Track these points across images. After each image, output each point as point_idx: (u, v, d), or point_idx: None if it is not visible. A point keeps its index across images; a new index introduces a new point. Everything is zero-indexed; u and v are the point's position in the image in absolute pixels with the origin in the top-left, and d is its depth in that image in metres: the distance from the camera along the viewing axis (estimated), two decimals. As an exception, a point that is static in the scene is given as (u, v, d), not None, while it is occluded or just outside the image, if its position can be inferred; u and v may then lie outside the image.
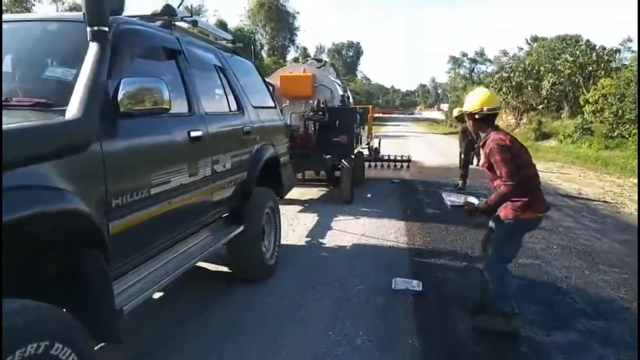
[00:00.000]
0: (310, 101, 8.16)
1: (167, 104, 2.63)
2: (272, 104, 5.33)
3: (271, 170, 4.89)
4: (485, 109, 3.43)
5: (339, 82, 9.90)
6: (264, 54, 48.08)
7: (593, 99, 20.21)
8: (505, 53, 59.07)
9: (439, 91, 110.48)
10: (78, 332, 2.00)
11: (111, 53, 2.60)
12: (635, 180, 11.64)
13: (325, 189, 9.47)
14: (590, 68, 23.78)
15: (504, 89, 28.73)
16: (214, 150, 3.57)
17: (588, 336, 3.55)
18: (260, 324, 3.67)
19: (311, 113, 7.89)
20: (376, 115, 69.74)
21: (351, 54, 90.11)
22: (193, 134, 3.24)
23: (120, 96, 2.44)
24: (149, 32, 3.16)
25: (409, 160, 11.76)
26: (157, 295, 4.16)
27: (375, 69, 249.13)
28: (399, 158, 11.77)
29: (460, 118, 11.85)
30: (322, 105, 7.90)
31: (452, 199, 3.82)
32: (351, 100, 10.42)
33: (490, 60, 65.10)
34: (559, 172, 13.61)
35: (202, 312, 3.86)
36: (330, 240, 6.00)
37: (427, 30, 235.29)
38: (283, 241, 5.76)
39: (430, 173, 12.93)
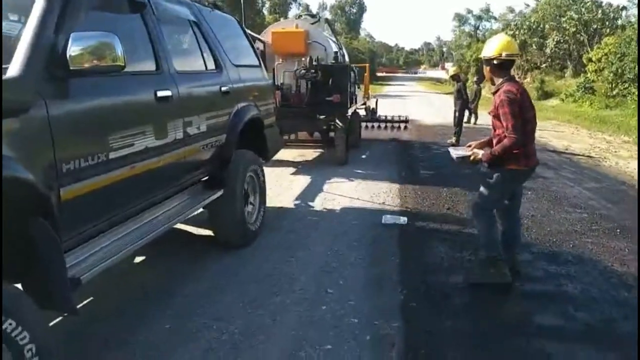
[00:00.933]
0: (303, 59, 7.81)
1: (120, 60, 2.40)
2: (256, 62, 5.07)
3: (254, 133, 4.70)
4: (504, 54, 3.37)
5: (333, 39, 9.49)
6: (265, 11, 47.16)
7: (596, 57, 19.70)
8: (511, 10, 57.39)
9: (444, 49, 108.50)
10: (29, 307, 1.91)
11: (62, 4, 2.37)
12: (626, 138, 11.81)
13: (320, 150, 9.26)
14: (596, 26, 23.11)
15: None
16: (185, 111, 3.35)
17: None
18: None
19: (303, 71, 7.55)
20: (379, 74, 69.26)
21: (355, 10, 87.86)
22: (160, 93, 3.02)
23: (69, 53, 2.21)
24: (107, -19, 2.89)
25: (406, 121, 11.46)
26: (138, 259, 4.07)
27: (379, 27, 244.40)
28: (396, 118, 11.48)
29: (455, 77, 11.80)
30: (314, 63, 7.57)
31: (459, 152, 3.74)
32: (347, 58, 10.02)
33: (495, 18, 63.45)
34: (553, 129, 13.60)
35: (185, 274, 3.75)
36: (320, 203, 5.84)
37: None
38: (274, 203, 5.66)
39: (427, 132, 12.78)
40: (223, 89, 3.98)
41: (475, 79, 18.38)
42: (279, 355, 2.76)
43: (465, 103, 11.35)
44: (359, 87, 10.28)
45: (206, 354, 2.75)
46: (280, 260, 4.07)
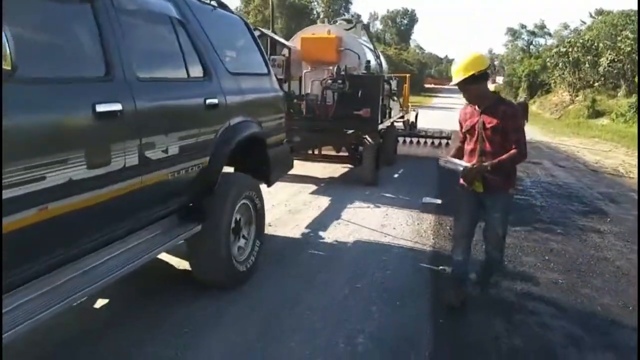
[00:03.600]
0: (330, 67, 6.93)
1: (8, 64, 1.65)
2: (264, 69, 4.26)
3: (255, 153, 3.91)
4: (487, 63, 3.13)
5: (370, 46, 8.58)
6: (319, 22, 47.23)
7: (650, 78, 18.02)
8: (566, 26, 54.44)
9: (496, 63, 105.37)
10: None
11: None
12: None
13: (350, 165, 8.37)
14: (652, 46, 21.27)
15: (560, 64, 27.30)
16: (144, 130, 2.56)
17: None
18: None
19: (330, 81, 6.67)
20: (427, 85, 67.64)
21: (405, 21, 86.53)
22: (102, 108, 2.25)
23: None
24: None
25: (448, 137, 10.41)
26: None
27: (429, 38, 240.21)
28: (437, 134, 10.46)
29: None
30: (342, 73, 6.68)
31: (449, 164, 3.33)
32: (384, 67, 9.09)
33: (550, 34, 60.42)
34: (592, 147, 13.57)
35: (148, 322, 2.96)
36: (334, 234, 4.94)
37: None
38: (281, 230, 4.84)
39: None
40: (209, 101, 3.18)
41: (525, 95, 17.40)
42: None
43: None
44: (397, 99, 9.35)
45: None
46: (271, 315, 3.23)
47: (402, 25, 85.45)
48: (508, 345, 2.98)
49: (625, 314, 3.44)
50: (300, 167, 7.98)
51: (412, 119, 10.77)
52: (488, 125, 3.12)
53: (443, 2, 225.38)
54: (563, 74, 27.20)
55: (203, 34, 3.35)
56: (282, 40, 6.70)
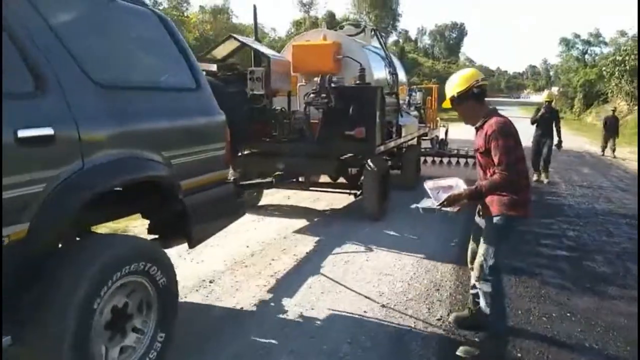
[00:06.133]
0: (315, 79, 5.47)
1: None
2: (187, 83, 3.00)
3: (160, 203, 2.69)
4: (479, 79, 2.88)
5: (382, 53, 7.16)
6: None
7: None
8: (623, 33, 50.44)
9: (551, 73, 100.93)
10: None
11: None
12: None
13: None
14: None
15: (616, 72, 25.96)
16: None
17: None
18: None
19: (312, 95, 5.33)
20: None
21: (454, 35, 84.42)
22: None
23: None
24: None
25: (483, 156, 8.81)
26: None
27: (479, 51, 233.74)
28: (471, 153, 8.88)
29: (548, 103, 9.34)
30: (326, 85, 5.27)
31: (427, 204, 2.96)
32: (402, 77, 7.58)
33: (606, 42, 56.29)
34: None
35: None
36: (305, 301, 3.56)
37: (538, 7, 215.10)
38: (230, 294, 3.56)
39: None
40: (28, 133, 1.95)
41: (612, 108, 16.09)
42: None
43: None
44: (421, 113, 7.91)
45: None
46: None
47: (450, 39, 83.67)
48: None
49: None
50: (299, 196, 6.70)
51: (441, 135, 9.23)
52: (477, 147, 2.93)
53: (493, 15, 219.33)
54: (620, 83, 25.86)
55: (48, 29, 2.14)
56: (263, 49, 5.46)
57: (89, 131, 2.19)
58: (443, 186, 2.98)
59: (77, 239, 2.60)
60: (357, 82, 5.67)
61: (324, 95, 5.19)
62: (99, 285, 2.16)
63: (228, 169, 3.31)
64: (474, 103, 2.88)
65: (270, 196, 6.73)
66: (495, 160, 2.73)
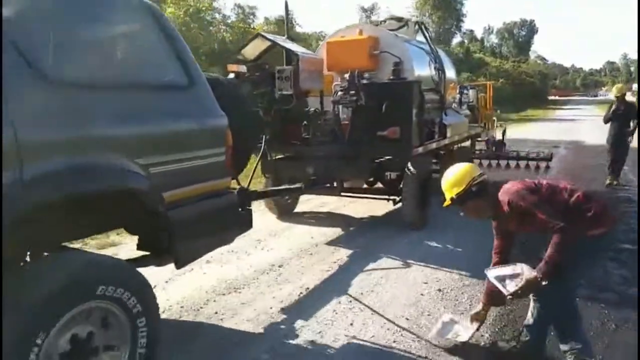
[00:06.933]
0: (345, 76, 5.00)
1: None
2: (178, 79, 2.68)
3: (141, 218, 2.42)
4: (476, 176, 2.71)
5: (427, 48, 6.58)
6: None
7: None
8: None
9: (632, 69, 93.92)
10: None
11: None
12: None
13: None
14: None
15: None
16: None
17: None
18: None
19: (340, 93, 4.91)
20: (551, 97, 61.56)
21: (524, 33, 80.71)
22: None
23: None
24: None
25: (548, 159, 7.97)
26: None
27: (552, 48, 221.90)
28: (532, 154, 8.07)
29: (620, 97, 8.36)
30: (355, 81, 4.80)
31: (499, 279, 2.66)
32: (449, 73, 6.90)
33: (694, 30, 51.38)
34: None
35: None
36: (320, 329, 3.14)
37: None
38: (241, 312, 3.21)
39: (581, 173, 9.00)
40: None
41: None
42: None
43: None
44: (474, 112, 7.26)
45: None
46: None
47: (520, 36, 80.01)
48: None
49: None
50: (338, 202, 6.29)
51: (498, 136, 8.47)
52: (510, 227, 2.79)
53: (566, 10, 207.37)
54: None
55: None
56: (293, 47, 5.12)
57: (28, 134, 1.88)
58: (508, 274, 2.67)
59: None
60: (391, 77, 5.19)
61: (352, 92, 4.76)
62: (42, 317, 1.88)
63: (229, 176, 2.97)
64: (476, 201, 2.71)
65: (308, 202, 6.39)
66: (539, 220, 2.49)
